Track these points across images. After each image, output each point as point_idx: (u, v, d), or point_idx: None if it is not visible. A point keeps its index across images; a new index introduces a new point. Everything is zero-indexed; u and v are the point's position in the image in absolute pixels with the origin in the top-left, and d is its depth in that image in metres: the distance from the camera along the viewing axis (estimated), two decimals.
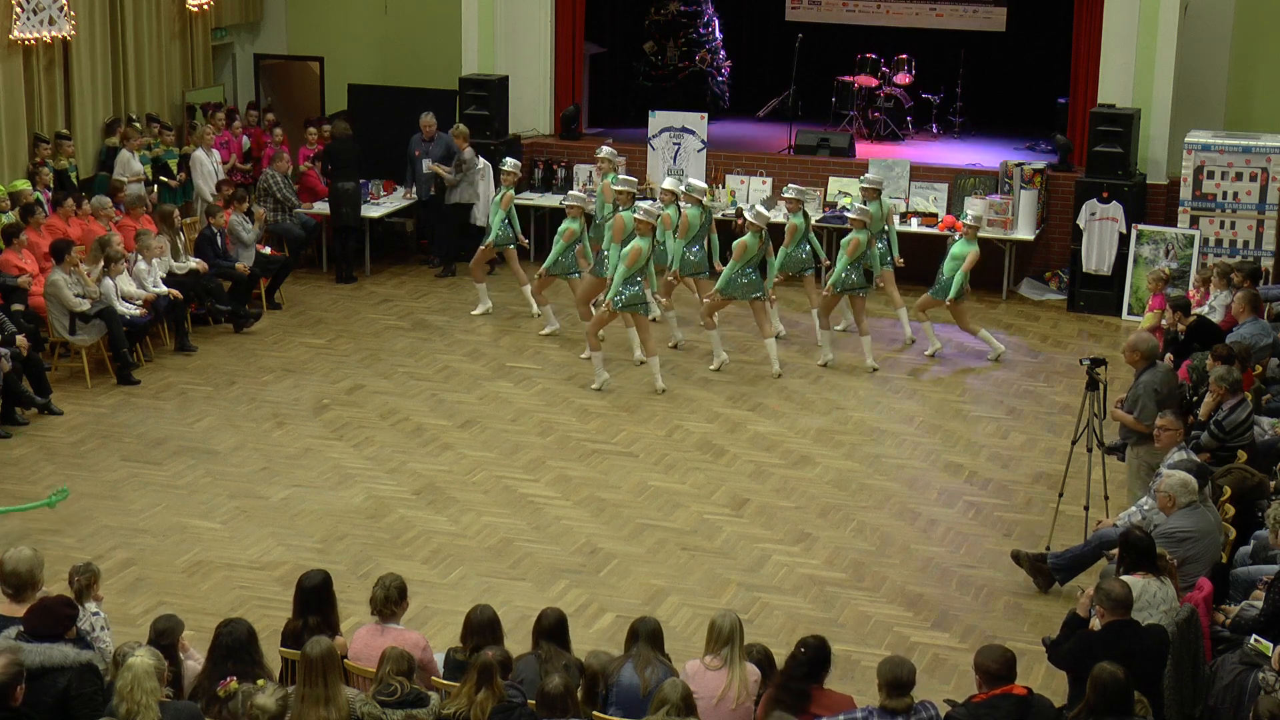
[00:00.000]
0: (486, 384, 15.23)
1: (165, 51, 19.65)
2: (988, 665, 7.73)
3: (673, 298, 16.29)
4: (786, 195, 16.05)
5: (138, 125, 18.20)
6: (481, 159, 18.91)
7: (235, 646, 7.80)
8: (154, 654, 7.41)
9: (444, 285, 18.54)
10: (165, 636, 7.96)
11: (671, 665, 8.15)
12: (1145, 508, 10.40)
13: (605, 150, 17.32)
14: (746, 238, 15.21)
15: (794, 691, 7.78)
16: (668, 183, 16.28)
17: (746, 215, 15.67)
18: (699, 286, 16.17)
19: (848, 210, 15.93)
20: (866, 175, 17.21)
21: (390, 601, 8.42)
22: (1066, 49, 19.40)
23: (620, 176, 16.33)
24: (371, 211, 18.74)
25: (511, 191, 17.01)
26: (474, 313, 17.29)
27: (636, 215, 14.85)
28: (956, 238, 16.07)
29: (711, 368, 15.59)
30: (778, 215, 16.61)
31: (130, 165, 17.74)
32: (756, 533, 12.05)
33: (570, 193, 17.01)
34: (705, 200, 15.89)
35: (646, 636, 8.16)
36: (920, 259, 17.21)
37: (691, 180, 16.45)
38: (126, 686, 7.16)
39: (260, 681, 7.62)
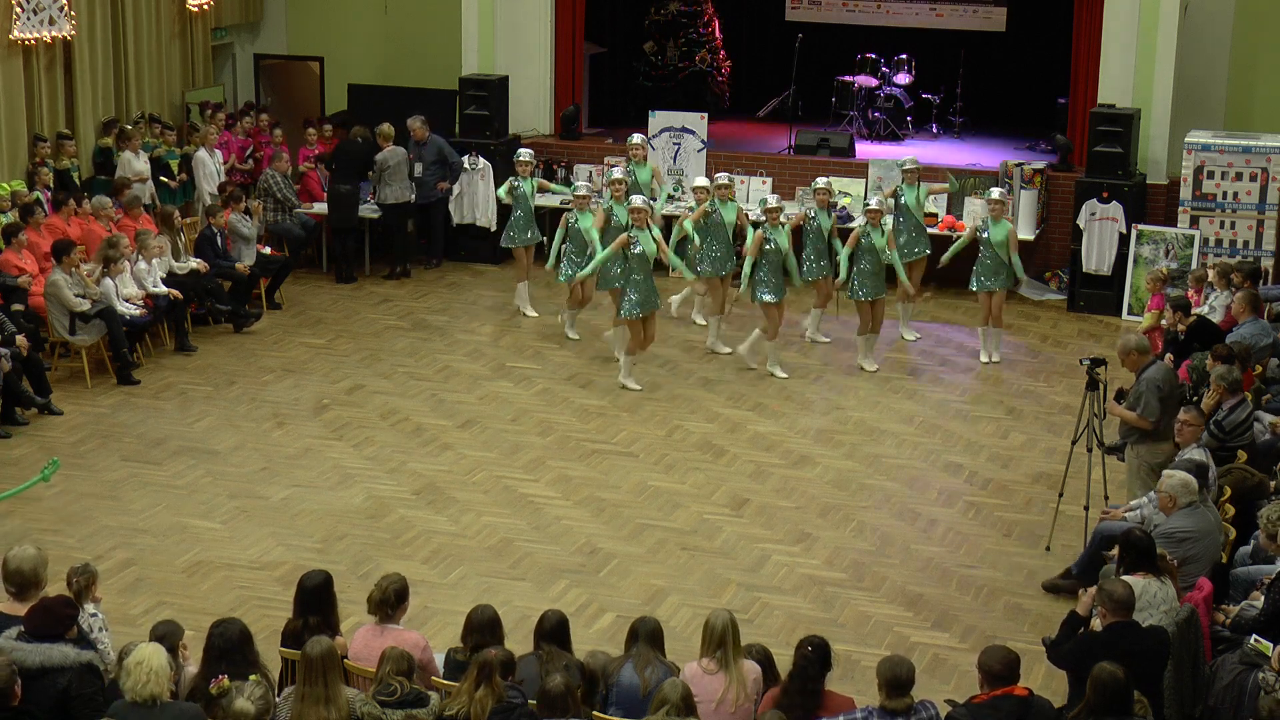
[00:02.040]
0: (486, 384, 15.23)
1: (165, 51, 19.66)
2: (990, 666, 7.73)
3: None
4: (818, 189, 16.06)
5: (129, 128, 18.14)
6: (482, 159, 18.92)
7: (228, 647, 7.79)
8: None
9: (444, 285, 18.54)
10: (164, 641, 7.95)
11: (672, 665, 8.15)
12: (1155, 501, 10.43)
13: (638, 138, 17.34)
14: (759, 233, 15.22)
15: (808, 692, 7.77)
16: (699, 181, 16.33)
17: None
18: (707, 286, 16.25)
19: (849, 208, 15.84)
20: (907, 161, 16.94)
21: (387, 604, 8.41)
22: (1066, 49, 19.40)
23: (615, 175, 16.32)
24: (371, 213, 18.73)
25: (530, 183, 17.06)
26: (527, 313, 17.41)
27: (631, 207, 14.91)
28: (983, 225, 15.80)
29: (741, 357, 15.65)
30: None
31: (132, 165, 17.75)
32: (756, 533, 12.05)
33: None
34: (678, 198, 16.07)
35: (646, 636, 8.15)
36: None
37: (697, 180, 16.60)
38: (137, 662, 7.24)
39: (253, 677, 7.60)
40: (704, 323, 16.62)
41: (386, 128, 18.34)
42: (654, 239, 14.85)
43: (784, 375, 15.37)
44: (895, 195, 16.47)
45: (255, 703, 7.24)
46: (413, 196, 18.55)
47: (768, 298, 15.13)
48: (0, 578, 8.21)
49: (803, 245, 15.97)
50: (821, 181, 16.09)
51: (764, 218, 15.26)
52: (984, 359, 16.03)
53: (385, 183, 18.33)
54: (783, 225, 15.16)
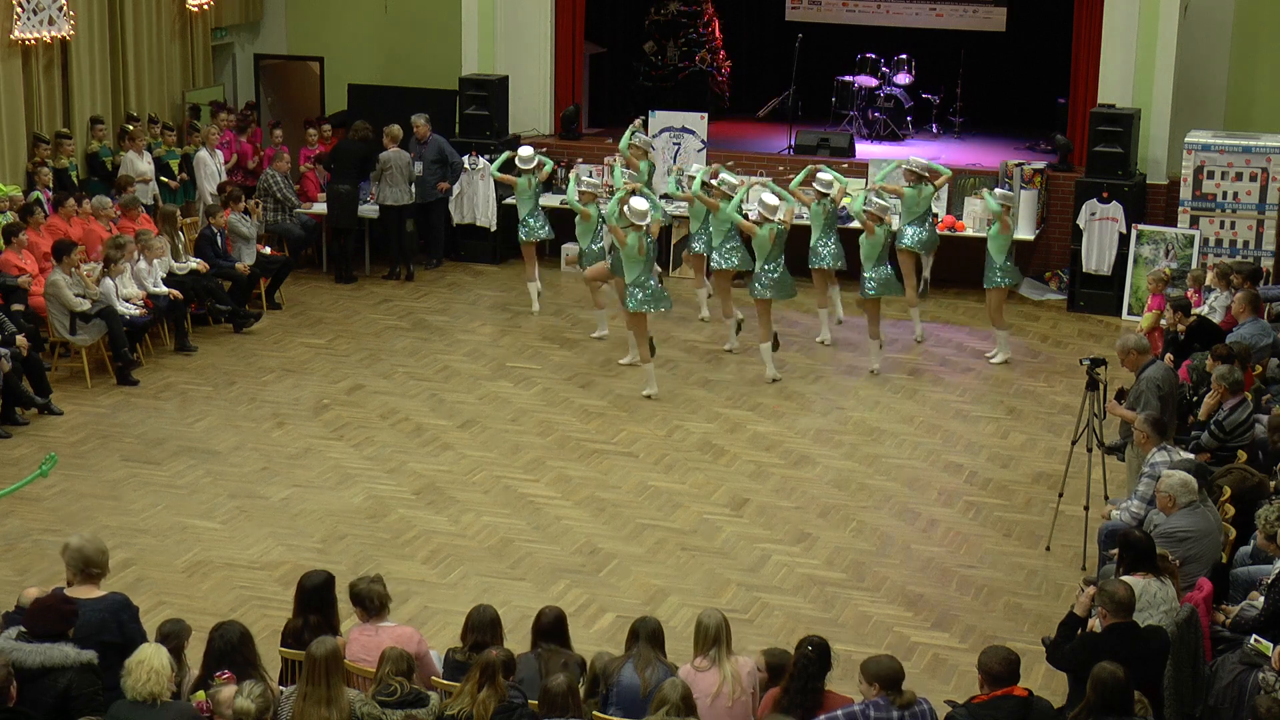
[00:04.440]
0: (486, 384, 15.23)
1: (165, 51, 19.65)
2: (991, 666, 7.74)
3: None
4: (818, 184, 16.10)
5: (131, 128, 18.12)
6: (482, 159, 18.92)
7: (227, 649, 7.82)
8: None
9: (444, 285, 18.54)
10: (171, 640, 7.98)
11: (672, 666, 8.15)
12: (1134, 509, 10.41)
13: (639, 139, 17.36)
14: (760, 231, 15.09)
15: (809, 692, 7.78)
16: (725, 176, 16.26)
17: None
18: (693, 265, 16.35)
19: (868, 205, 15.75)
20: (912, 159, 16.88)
21: (368, 598, 8.43)
22: (1066, 49, 19.39)
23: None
24: (370, 212, 18.71)
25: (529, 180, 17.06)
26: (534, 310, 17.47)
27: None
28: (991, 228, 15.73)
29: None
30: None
31: (135, 165, 17.73)
32: (756, 533, 12.05)
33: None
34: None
35: (647, 636, 8.16)
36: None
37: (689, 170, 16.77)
38: (138, 661, 7.27)
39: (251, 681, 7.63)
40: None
41: (395, 129, 18.32)
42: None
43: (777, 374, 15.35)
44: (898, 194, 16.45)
45: (255, 700, 7.26)
46: (410, 200, 18.48)
47: (767, 294, 15.08)
48: (68, 565, 8.21)
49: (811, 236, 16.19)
50: (824, 176, 16.14)
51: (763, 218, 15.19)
52: (992, 357, 16.03)
53: (387, 183, 18.30)
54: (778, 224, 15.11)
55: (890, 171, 16.88)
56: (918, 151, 19.77)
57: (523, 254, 17.50)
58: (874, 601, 10.97)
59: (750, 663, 8.15)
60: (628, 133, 17.34)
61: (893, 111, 20.97)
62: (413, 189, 18.44)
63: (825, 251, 16.07)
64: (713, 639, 8.03)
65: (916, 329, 16.57)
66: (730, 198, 15.49)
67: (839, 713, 7.64)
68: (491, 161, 17.89)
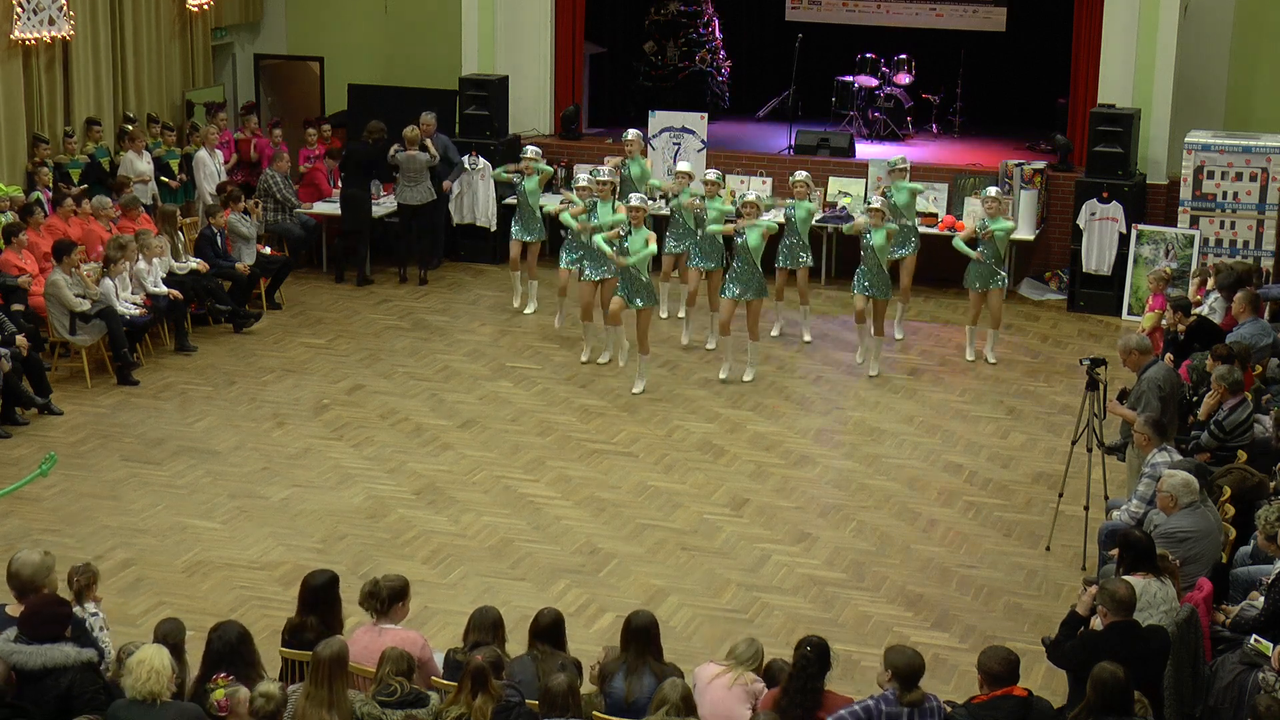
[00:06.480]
0: (486, 384, 15.23)
1: (165, 51, 19.65)
2: (990, 666, 7.75)
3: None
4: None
5: (130, 128, 18.12)
6: (482, 159, 18.91)
7: (225, 650, 7.80)
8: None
9: (444, 285, 18.54)
10: (168, 639, 7.96)
11: (671, 667, 8.15)
12: (1132, 508, 10.41)
13: (633, 134, 17.35)
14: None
15: (808, 691, 7.79)
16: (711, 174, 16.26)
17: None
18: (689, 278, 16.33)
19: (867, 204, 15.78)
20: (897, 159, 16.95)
21: (376, 598, 8.42)
22: (1066, 49, 19.40)
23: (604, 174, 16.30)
24: (385, 210, 18.66)
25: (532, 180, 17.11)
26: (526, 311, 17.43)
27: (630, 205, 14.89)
28: (982, 224, 15.67)
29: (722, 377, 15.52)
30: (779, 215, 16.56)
31: (135, 165, 17.73)
32: (756, 533, 12.06)
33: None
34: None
35: (632, 638, 8.14)
36: (921, 259, 17.19)
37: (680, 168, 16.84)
38: (139, 661, 7.28)
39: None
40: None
41: (412, 132, 18.24)
42: (646, 239, 14.76)
43: (723, 377, 15.27)
44: (885, 194, 16.46)
45: (279, 690, 7.31)
46: (431, 197, 18.40)
47: (727, 294, 15.10)
48: (4, 577, 8.23)
49: (782, 236, 16.16)
50: (800, 175, 16.18)
51: (742, 213, 15.21)
52: (969, 357, 15.99)
53: (406, 183, 18.19)
54: (759, 225, 15.10)
55: (896, 181, 16.75)
56: (918, 152, 19.82)
57: (513, 252, 17.40)
58: (874, 601, 10.97)
59: (760, 682, 8.17)
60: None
61: (893, 111, 20.97)
62: (430, 188, 18.36)
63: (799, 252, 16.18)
64: (742, 660, 8.12)
65: (898, 331, 16.71)
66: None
67: (855, 706, 7.64)
68: (496, 166, 17.93)
